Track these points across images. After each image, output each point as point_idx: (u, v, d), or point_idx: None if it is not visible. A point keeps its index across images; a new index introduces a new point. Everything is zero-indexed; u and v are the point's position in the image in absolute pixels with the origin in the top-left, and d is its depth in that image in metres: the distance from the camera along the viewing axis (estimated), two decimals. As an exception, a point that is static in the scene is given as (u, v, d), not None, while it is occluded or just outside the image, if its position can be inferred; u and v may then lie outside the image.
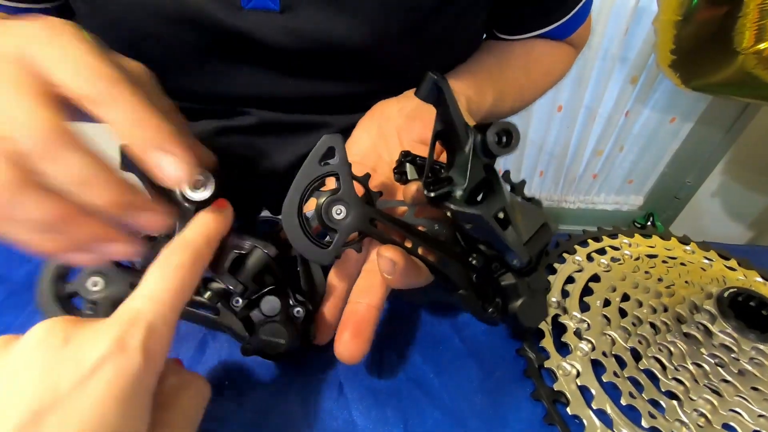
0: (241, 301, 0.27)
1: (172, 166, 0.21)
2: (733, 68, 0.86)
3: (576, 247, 0.39)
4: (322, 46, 0.35)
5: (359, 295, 0.28)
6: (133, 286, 0.28)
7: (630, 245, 0.39)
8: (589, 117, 1.21)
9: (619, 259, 0.37)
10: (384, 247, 0.25)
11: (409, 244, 0.26)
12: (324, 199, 0.26)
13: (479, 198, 0.25)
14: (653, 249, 0.39)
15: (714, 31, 0.85)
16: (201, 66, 0.37)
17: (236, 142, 0.43)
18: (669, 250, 0.38)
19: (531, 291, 0.27)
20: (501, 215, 0.24)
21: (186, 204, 0.25)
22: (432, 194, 0.24)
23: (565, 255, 0.38)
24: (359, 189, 0.27)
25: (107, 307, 0.28)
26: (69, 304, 0.29)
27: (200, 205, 0.25)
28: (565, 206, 1.48)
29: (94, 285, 0.28)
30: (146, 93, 0.22)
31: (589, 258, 0.38)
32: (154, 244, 0.25)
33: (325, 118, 0.42)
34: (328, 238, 0.26)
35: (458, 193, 0.24)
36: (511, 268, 0.27)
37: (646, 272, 0.35)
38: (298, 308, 0.28)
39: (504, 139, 0.22)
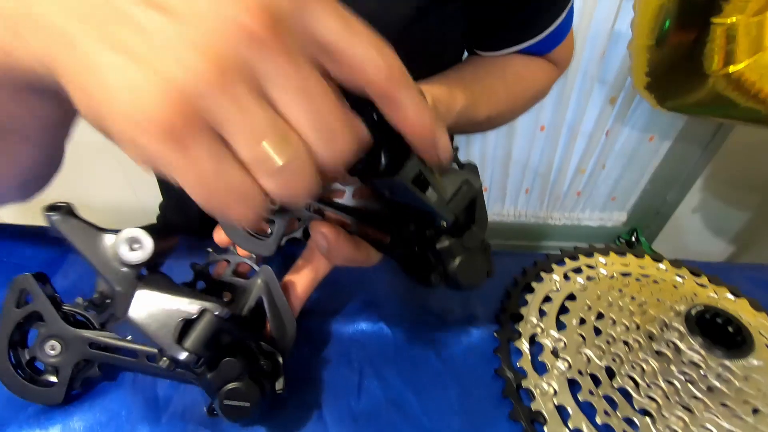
0: (198, 368, 0.24)
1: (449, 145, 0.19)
2: (704, 90, 0.90)
3: (553, 266, 0.40)
4: None
5: (286, 287, 0.29)
6: (92, 345, 0.27)
7: (605, 263, 0.40)
8: (571, 136, 1.24)
9: (594, 278, 0.38)
10: (317, 221, 0.26)
11: (348, 225, 0.27)
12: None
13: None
14: (627, 267, 0.40)
15: (685, 55, 0.88)
16: None
17: None
18: (642, 268, 0.40)
19: (467, 250, 0.28)
20: (420, 178, 0.24)
21: (122, 269, 0.24)
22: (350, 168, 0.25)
23: (542, 274, 0.39)
24: None
25: (67, 369, 0.28)
26: (30, 367, 0.28)
27: (137, 268, 0.24)
28: (551, 223, 1.50)
29: (52, 349, 0.27)
30: None
31: (566, 277, 0.39)
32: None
33: None
34: (269, 230, 0.27)
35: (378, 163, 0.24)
36: (443, 230, 0.27)
37: (620, 290, 0.36)
38: (264, 363, 0.26)
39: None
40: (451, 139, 0.57)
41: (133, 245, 0.24)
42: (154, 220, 0.67)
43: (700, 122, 1.21)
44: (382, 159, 0.24)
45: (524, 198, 1.45)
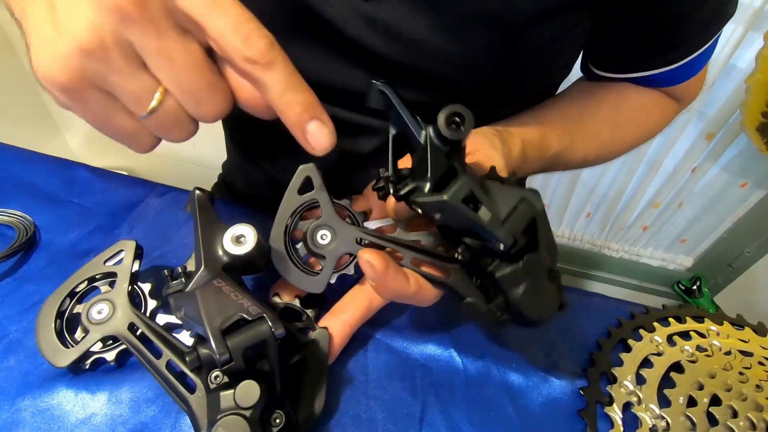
0: (220, 375, 0.23)
1: (327, 135, 0.22)
2: (829, 143, 0.79)
3: (655, 324, 0.35)
4: (400, 44, 0.32)
5: (338, 310, 0.29)
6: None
7: (718, 334, 0.34)
8: (651, 166, 1.14)
9: (706, 350, 0.33)
10: (365, 249, 0.26)
11: (401, 258, 0.27)
12: (308, 226, 0.27)
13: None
14: (747, 344, 0.34)
15: (816, 101, 0.78)
16: (276, 38, 0.36)
17: None
18: (766, 348, 0.33)
19: (530, 276, 0.24)
20: (470, 198, 0.23)
21: (224, 258, 0.25)
22: (399, 193, 0.24)
23: (641, 332, 0.34)
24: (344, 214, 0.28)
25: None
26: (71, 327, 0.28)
27: (231, 258, 0.25)
28: (607, 253, 1.40)
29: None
30: None
31: (671, 341, 0.33)
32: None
33: (387, 124, 0.40)
34: (321, 265, 0.27)
35: (425, 187, 0.23)
36: (501, 256, 0.25)
37: (741, 373, 0.30)
38: (278, 415, 0.23)
39: (455, 121, 0.22)
40: (523, 179, 0.52)
41: (239, 238, 0.25)
42: (210, 176, 0.66)
43: (804, 176, 1.08)
44: (430, 181, 0.23)
45: (583, 222, 1.36)
